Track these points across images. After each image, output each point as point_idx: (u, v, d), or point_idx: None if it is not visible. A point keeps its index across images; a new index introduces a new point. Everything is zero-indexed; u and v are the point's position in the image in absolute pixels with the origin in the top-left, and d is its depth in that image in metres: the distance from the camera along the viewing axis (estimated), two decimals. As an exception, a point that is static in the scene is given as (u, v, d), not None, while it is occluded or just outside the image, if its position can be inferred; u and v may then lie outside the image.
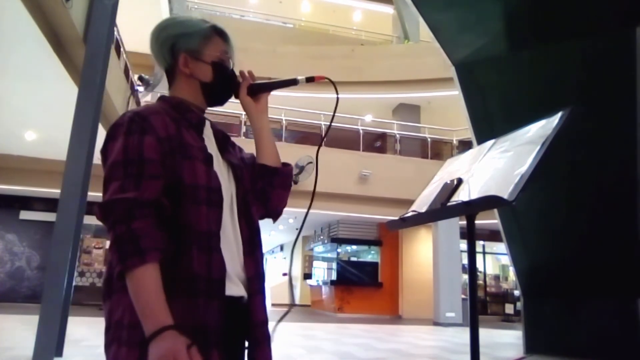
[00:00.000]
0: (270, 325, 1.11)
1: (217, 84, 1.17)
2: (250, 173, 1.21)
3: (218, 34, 1.17)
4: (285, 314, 1.18)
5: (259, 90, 1.24)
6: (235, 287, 1.04)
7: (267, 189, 1.23)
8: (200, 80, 1.15)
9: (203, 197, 1.01)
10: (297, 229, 15.72)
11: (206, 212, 1.01)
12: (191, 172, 1.01)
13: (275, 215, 1.27)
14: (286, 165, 1.28)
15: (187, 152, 1.03)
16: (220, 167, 1.10)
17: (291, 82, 1.23)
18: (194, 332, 0.91)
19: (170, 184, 0.99)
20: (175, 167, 1.00)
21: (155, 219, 0.94)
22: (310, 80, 1.22)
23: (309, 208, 1.28)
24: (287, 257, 20.82)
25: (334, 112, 1.26)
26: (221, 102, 1.22)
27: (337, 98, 1.25)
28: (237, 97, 1.24)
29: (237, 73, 1.23)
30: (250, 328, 1.07)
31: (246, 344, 1.08)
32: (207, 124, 1.15)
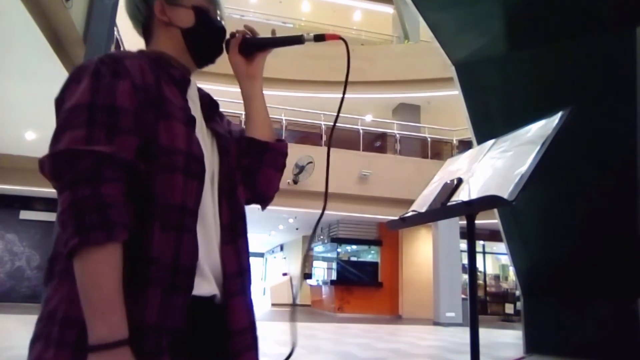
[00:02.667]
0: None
1: (202, 29, 0.97)
2: (237, 148, 1.02)
3: None
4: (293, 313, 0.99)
5: (255, 46, 1.03)
6: (205, 284, 0.84)
7: (253, 166, 1.02)
8: (180, 27, 0.96)
9: (180, 164, 0.82)
10: (296, 229, 15.71)
11: (182, 182, 0.81)
12: (168, 132, 0.82)
13: (263, 200, 1.06)
14: (280, 140, 1.07)
15: (166, 109, 0.84)
16: (203, 136, 0.92)
17: (295, 40, 1.02)
18: (136, 333, 0.71)
19: (142, 144, 0.79)
20: (149, 124, 0.81)
21: (125, 187, 0.74)
22: (319, 39, 1.00)
23: (324, 209, 1.05)
24: (287, 257, 20.82)
25: (343, 96, 1.05)
26: (210, 56, 1.01)
27: (348, 67, 1.05)
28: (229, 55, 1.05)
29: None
30: (226, 337, 0.86)
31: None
32: (193, 84, 0.98)
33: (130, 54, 0.88)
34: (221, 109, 1.06)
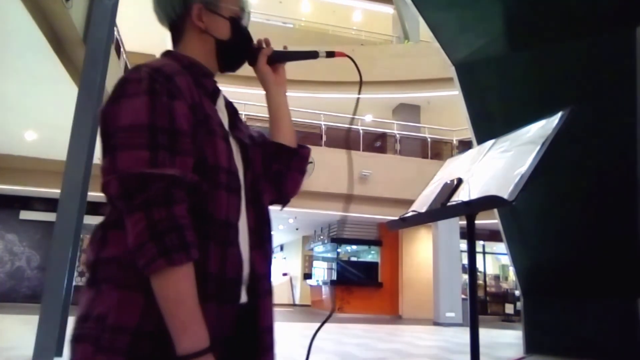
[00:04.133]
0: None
1: (235, 44, 0.99)
2: (261, 154, 1.03)
3: None
4: (325, 320, 1.03)
5: (279, 59, 1.10)
6: (243, 294, 0.89)
7: (283, 171, 1.06)
8: (215, 38, 0.97)
9: (224, 181, 0.85)
10: (296, 229, 15.71)
11: (226, 198, 0.84)
12: (213, 150, 0.85)
13: (286, 201, 1.10)
14: (303, 147, 1.12)
15: (210, 127, 0.86)
16: (232, 147, 0.93)
17: (312, 55, 1.12)
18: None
19: (195, 163, 0.82)
20: (199, 143, 0.83)
21: (188, 206, 0.77)
22: (330, 55, 1.12)
23: (347, 209, 1.17)
24: (287, 257, 20.82)
25: (357, 102, 1.12)
26: (234, 66, 1.04)
27: (360, 80, 1.13)
28: (251, 64, 1.08)
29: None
30: (258, 334, 0.90)
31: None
32: (221, 94, 0.98)
33: (175, 69, 0.87)
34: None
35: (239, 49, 1.02)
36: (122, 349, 0.73)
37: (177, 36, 0.99)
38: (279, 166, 1.06)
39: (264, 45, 1.09)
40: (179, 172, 0.76)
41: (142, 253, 0.72)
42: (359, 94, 1.12)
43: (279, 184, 1.06)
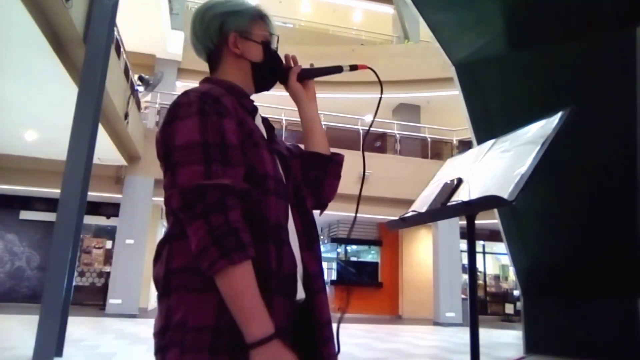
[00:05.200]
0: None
1: (268, 65, 1.10)
2: (299, 164, 1.13)
3: (262, 16, 1.14)
4: (341, 317, 1.10)
5: (308, 76, 1.20)
6: (299, 290, 0.96)
7: (320, 177, 1.16)
8: (251, 61, 1.08)
9: (272, 187, 0.94)
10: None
11: (275, 203, 0.94)
12: (260, 160, 0.95)
13: (324, 205, 1.20)
14: (337, 154, 1.22)
15: (255, 140, 0.96)
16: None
17: (337, 70, 1.21)
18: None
19: (246, 172, 0.92)
20: (248, 154, 0.93)
21: (241, 211, 0.86)
22: (353, 68, 1.22)
23: (356, 211, 1.25)
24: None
25: (378, 106, 1.23)
26: (268, 86, 1.15)
27: (382, 90, 1.23)
28: (283, 82, 1.18)
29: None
30: (317, 328, 0.99)
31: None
32: (258, 112, 1.09)
33: (220, 92, 0.97)
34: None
35: (272, 69, 1.12)
36: (205, 346, 0.82)
37: (214, 64, 1.09)
38: (317, 173, 1.16)
39: (292, 64, 1.19)
40: (231, 182, 0.86)
41: (205, 256, 0.81)
42: (379, 102, 1.22)
43: (318, 190, 1.16)
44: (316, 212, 1.18)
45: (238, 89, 1.04)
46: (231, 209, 0.83)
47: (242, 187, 0.88)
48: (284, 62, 1.17)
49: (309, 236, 1.02)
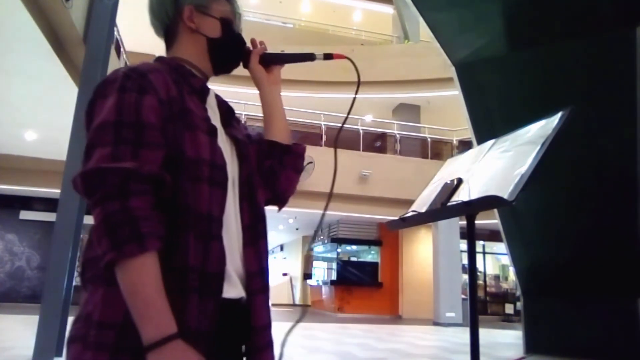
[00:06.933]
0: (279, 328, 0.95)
1: (226, 42, 1.02)
2: (256, 151, 1.06)
3: None
4: (294, 324, 1.01)
5: (272, 61, 1.12)
6: (232, 288, 0.88)
7: (276, 168, 1.07)
8: (207, 37, 1.00)
9: (205, 174, 0.85)
10: (296, 229, 15.72)
11: (208, 192, 0.85)
12: (193, 144, 0.85)
13: (282, 200, 1.10)
14: (297, 145, 1.13)
15: (190, 120, 0.87)
16: (223, 143, 0.94)
17: (307, 57, 1.10)
18: (182, 338, 0.75)
19: (170, 156, 0.83)
20: (175, 137, 0.84)
21: (153, 198, 0.77)
22: (328, 57, 1.09)
23: (326, 208, 1.15)
24: (287, 257, 20.83)
25: (353, 100, 1.13)
26: (229, 67, 1.06)
27: (358, 81, 1.12)
28: (245, 66, 1.11)
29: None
30: (251, 334, 0.91)
31: (243, 349, 0.93)
32: (212, 93, 1.01)
33: (154, 67, 0.90)
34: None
35: (230, 47, 1.05)
36: (107, 345, 0.74)
37: (170, 41, 1.03)
38: (272, 162, 1.07)
39: (258, 44, 1.12)
40: (134, 165, 0.76)
41: (100, 247, 0.74)
42: (356, 94, 1.12)
43: (273, 181, 1.07)
44: (274, 208, 1.12)
45: (187, 68, 0.97)
46: (134, 195, 0.75)
47: (150, 171, 0.77)
48: (249, 44, 1.10)
49: (255, 231, 0.94)
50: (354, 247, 14.86)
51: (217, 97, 1.03)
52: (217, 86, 1.05)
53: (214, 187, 0.86)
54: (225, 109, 1.02)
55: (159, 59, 1.00)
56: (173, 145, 0.83)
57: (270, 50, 1.14)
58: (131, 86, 0.83)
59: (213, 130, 0.91)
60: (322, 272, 16.70)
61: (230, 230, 0.90)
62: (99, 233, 0.74)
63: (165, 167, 0.81)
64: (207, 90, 0.99)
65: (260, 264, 0.94)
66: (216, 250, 0.84)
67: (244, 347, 0.93)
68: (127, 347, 0.74)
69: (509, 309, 13.45)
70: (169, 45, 1.03)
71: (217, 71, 1.05)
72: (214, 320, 0.82)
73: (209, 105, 0.97)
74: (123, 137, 0.79)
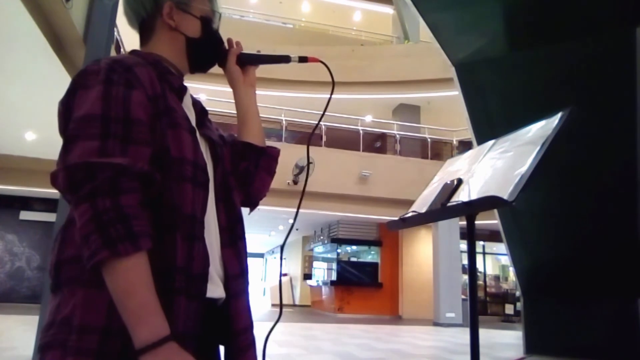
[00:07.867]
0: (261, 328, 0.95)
1: (205, 43, 1.01)
2: (230, 153, 1.05)
3: None
4: (273, 326, 1.00)
5: (249, 61, 1.12)
6: (215, 288, 0.87)
7: (250, 170, 1.06)
8: (186, 35, 0.98)
9: (189, 174, 0.83)
10: (296, 229, 15.72)
11: (191, 192, 0.83)
12: (177, 142, 0.83)
13: (254, 202, 1.10)
14: (272, 148, 1.12)
15: (173, 119, 0.85)
16: (200, 144, 0.93)
17: (283, 59, 1.11)
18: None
19: (155, 154, 0.80)
20: (161, 134, 0.82)
21: (141, 196, 0.75)
22: (303, 60, 1.11)
23: (299, 204, 1.15)
24: (287, 257, 20.82)
25: (329, 100, 1.14)
26: (205, 66, 1.05)
27: (333, 83, 1.14)
28: (222, 65, 1.10)
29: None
30: (231, 336, 0.89)
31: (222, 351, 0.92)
32: (188, 92, 0.98)
33: (136, 61, 0.87)
34: (219, 109, 1.07)
35: (209, 47, 1.03)
36: (91, 349, 0.71)
37: (146, 36, 0.99)
38: (247, 164, 1.06)
39: (234, 44, 1.10)
40: (126, 161, 0.74)
41: (87, 245, 0.70)
42: (331, 94, 1.12)
43: (247, 183, 1.06)
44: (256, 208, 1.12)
45: (164, 65, 0.94)
46: (125, 192, 0.72)
47: (142, 169, 0.75)
48: (225, 44, 1.09)
49: (233, 232, 0.93)
50: (354, 247, 14.86)
51: (192, 97, 1.02)
52: (191, 83, 1.06)
53: (197, 188, 0.85)
54: (199, 109, 1.01)
55: (136, 52, 0.96)
56: (158, 143, 0.81)
57: (267, 50, 1.14)
58: (117, 79, 0.80)
59: (193, 130, 0.90)
60: (322, 272, 16.70)
61: (210, 230, 0.88)
62: (86, 231, 0.70)
63: (152, 165, 0.79)
64: (185, 89, 0.97)
65: (241, 266, 0.93)
66: (199, 251, 0.82)
67: (223, 349, 0.91)
68: (111, 351, 0.72)
69: (509, 309, 13.46)
70: (143, 39, 1.00)
71: (194, 70, 1.04)
72: (199, 321, 0.81)
73: (184, 105, 0.94)
74: (112, 132, 0.75)
